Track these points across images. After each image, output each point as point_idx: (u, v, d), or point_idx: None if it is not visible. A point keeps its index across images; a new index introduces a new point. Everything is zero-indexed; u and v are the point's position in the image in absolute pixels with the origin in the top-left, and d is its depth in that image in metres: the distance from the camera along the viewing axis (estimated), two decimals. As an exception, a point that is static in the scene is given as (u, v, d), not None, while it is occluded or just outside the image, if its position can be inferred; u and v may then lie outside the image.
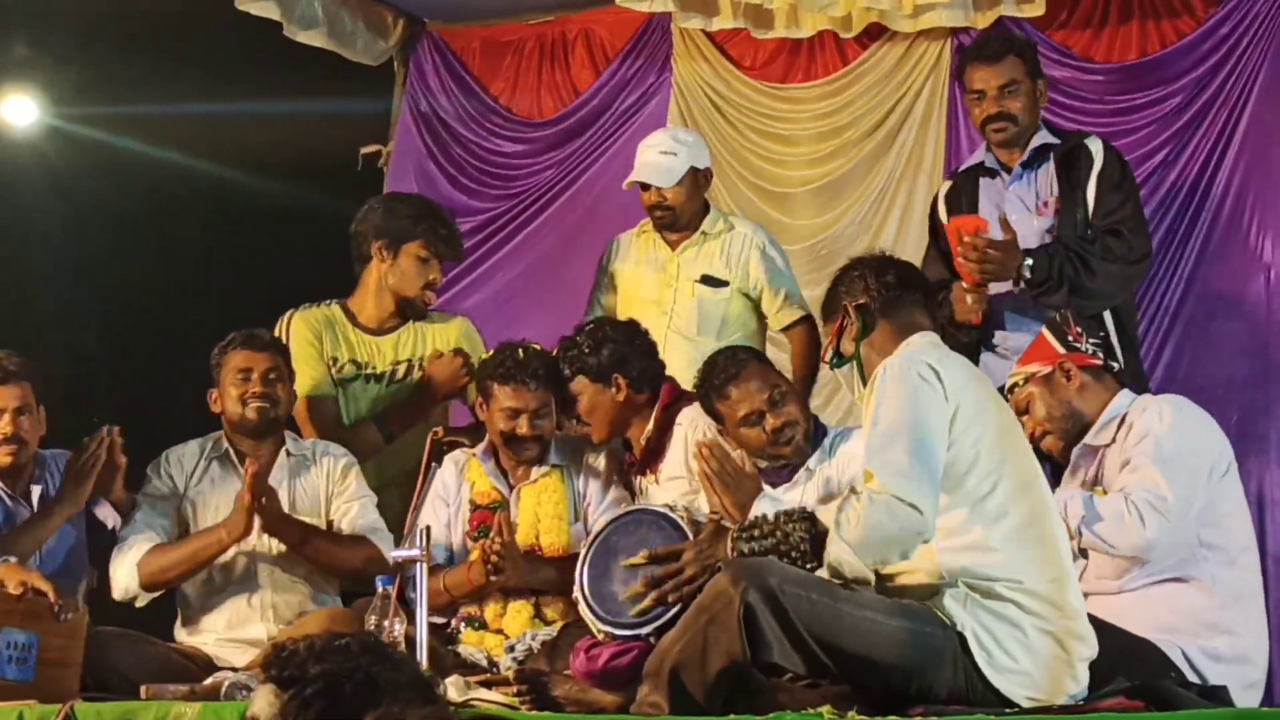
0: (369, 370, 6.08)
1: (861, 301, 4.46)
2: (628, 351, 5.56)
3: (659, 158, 6.19)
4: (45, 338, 7.83)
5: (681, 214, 6.22)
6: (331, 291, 6.23)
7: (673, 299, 6.20)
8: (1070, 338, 5.07)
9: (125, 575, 5.53)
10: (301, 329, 6.10)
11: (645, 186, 6.21)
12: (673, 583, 4.25)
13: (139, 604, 5.60)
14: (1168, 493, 4.66)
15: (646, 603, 4.30)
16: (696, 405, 5.47)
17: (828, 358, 4.56)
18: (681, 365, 5.92)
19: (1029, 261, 5.62)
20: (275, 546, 5.60)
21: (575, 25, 7.97)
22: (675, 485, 5.45)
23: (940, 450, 4.11)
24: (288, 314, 6.16)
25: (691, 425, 5.49)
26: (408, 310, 6.10)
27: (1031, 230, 5.80)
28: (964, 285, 5.72)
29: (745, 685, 4.06)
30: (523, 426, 5.50)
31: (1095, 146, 5.86)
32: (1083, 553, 4.73)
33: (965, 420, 4.16)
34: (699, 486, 5.35)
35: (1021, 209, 5.88)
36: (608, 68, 7.87)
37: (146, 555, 5.52)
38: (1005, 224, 5.66)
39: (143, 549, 5.54)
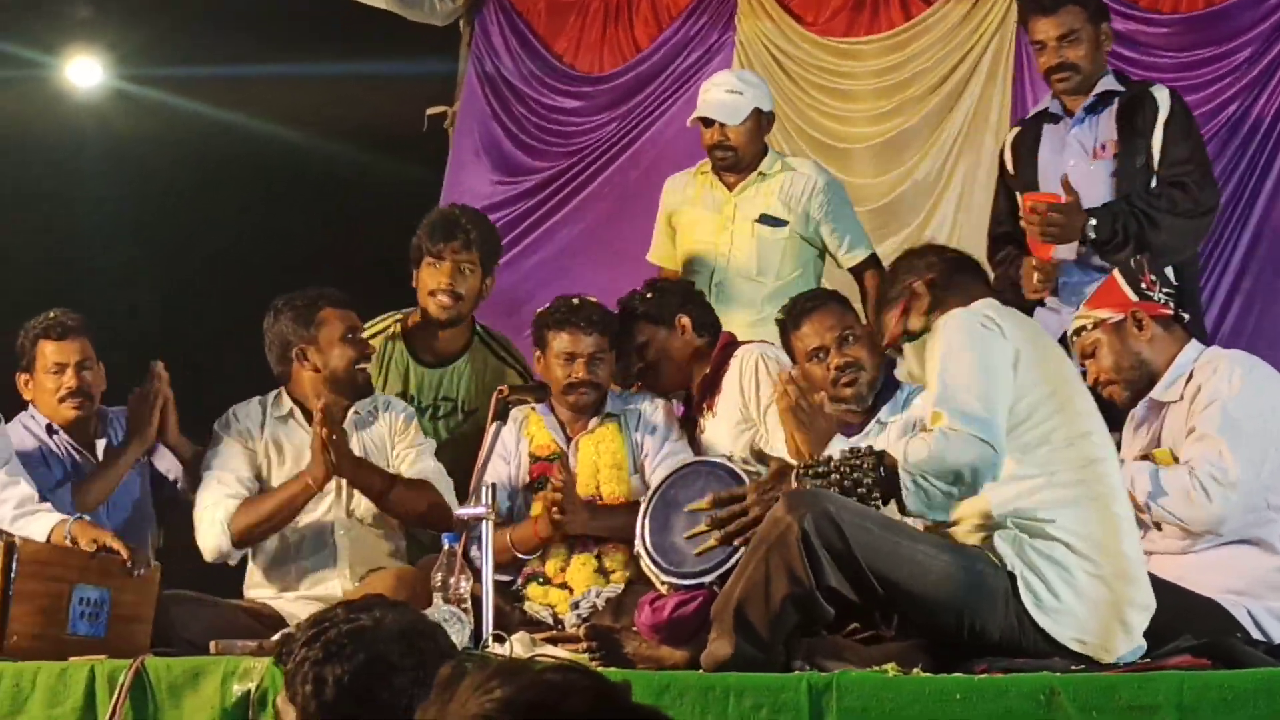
0: (420, 404, 6.02)
1: (929, 277, 4.46)
2: (687, 295, 5.76)
3: (725, 96, 6.17)
4: (104, 298, 7.88)
5: (743, 155, 6.19)
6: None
7: (730, 241, 6.19)
8: (1144, 285, 4.96)
9: (215, 536, 5.48)
10: None
11: (708, 124, 6.19)
12: (737, 523, 4.20)
13: (231, 562, 5.59)
14: (1232, 465, 4.60)
15: (711, 542, 4.27)
16: (750, 344, 5.64)
17: (897, 336, 4.51)
18: (741, 305, 6.00)
19: (1092, 221, 5.60)
20: (349, 506, 5.61)
21: (639, -15, 7.97)
22: (730, 414, 5.56)
23: (1006, 391, 4.09)
24: None
25: (747, 353, 5.61)
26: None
27: (1089, 174, 5.76)
28: (1032, 262, 5.71)
29: (811, 613, 4.05)
30: (579, 370, 5.54)
31: (1161, 95, 5.81)
32: (1156, 526, 4.70)
33: (1024, 368, 4.14)
34: (751, 418, 5.50)
35: (1080, 153, 5.84)
36: (670, 25, 7.84)
37: (237, 511, 5.49)
38: (1067, 185, 5.63)
39: (229, 507, 5.49)
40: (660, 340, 5.70)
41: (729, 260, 6.20)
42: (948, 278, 4.46)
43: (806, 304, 5.43)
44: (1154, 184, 5.72)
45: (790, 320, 5.41)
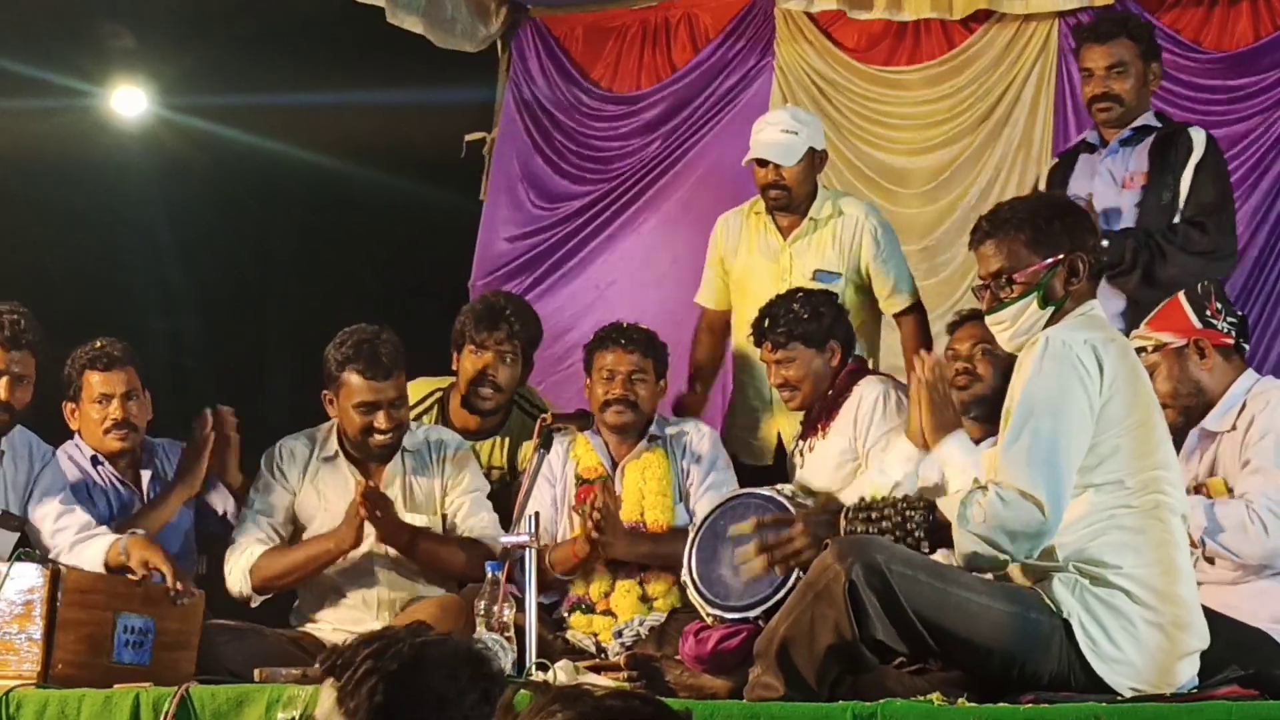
0: None
1: (1092, 261, 4.30)
2: (840, 314, 5.71)
3: (780, 135, 6.11)
4: (150, 325, 7.92)
5: (796, 195, 6.13)
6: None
7: None
8: (1208, 313, 4.92)
9: (239, 578, 5.52)
10: None
11: (762, 164, 6.14)
12: (780, 552, 4.21)
13: (253, 605, 5.60)
14: None
15: (756, 565, 4.27)
16: (876, 376, 5.65)
17: (1030, 284, 4.28)
18: None
19: (1104, 243, 5.59)
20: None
21: (678, 10, 7.92)
22: (839, 443, 5.54)
23: (1077, 446, 4.04)
24: None
25: (871, 385, 5.58)
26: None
27: (1115, 204, 5.77)
28: None
29: (855, 663, 4.05)
30: (617, 387, 5.55)
31: (1198, 136, 5.81)
32: (1209, 560, 4.67)
33: (1114, 414, 4.09)
34: (857, 452, 5.48)
35: (1109, 181, 5.84)
36: (707, 46, 7.85)
37: (260, 560, 5.50)
38: (1090, 206, 5.61)
39: (255, 552, 5.51)
40: (806, 360, 5.62)
41: None
42: (1096, 271, 4.33)
43: (972, 312, 5.42)
44: (1176, 221, 5.72)
45: (956, 323, 5.46)
